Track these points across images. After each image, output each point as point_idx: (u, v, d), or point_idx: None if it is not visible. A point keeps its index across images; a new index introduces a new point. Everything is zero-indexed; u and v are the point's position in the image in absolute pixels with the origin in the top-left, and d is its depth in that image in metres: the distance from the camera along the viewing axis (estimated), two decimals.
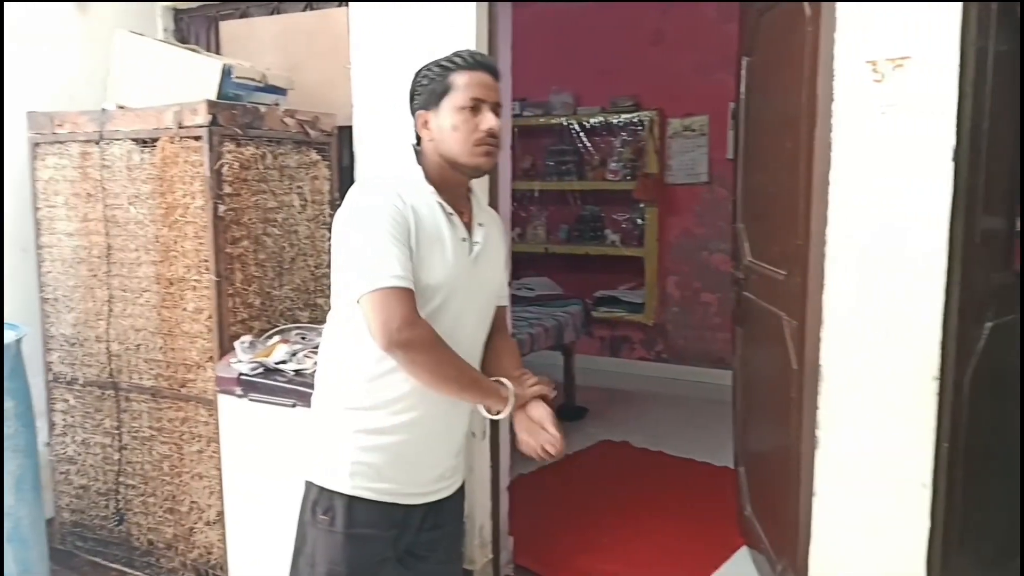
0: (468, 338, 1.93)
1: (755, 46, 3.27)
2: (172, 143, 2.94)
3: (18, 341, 2.68)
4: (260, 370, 2.75)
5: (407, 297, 1.73)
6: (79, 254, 3.25)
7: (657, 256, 6.25)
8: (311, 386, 2.07)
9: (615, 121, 6.30)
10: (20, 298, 3.35)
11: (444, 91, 1.87)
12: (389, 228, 1.75)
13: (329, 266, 2.00)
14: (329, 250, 2.42)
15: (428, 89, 1.89)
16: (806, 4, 2.54)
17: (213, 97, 2.97)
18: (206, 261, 2.92)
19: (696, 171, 6.09)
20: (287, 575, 1.95)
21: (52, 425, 3.42)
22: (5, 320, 2.79)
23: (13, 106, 3.32)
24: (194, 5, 3.99)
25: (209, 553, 3.11)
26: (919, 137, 2.22)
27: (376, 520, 1.87)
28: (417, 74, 1.93)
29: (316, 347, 2.53)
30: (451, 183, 1.91)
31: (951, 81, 2.16)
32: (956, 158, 2.16)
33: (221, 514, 2.97)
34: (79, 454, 3.39)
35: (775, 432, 2.93)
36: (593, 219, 6.60)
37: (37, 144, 3.30)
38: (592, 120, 6.38)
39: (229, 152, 2.91)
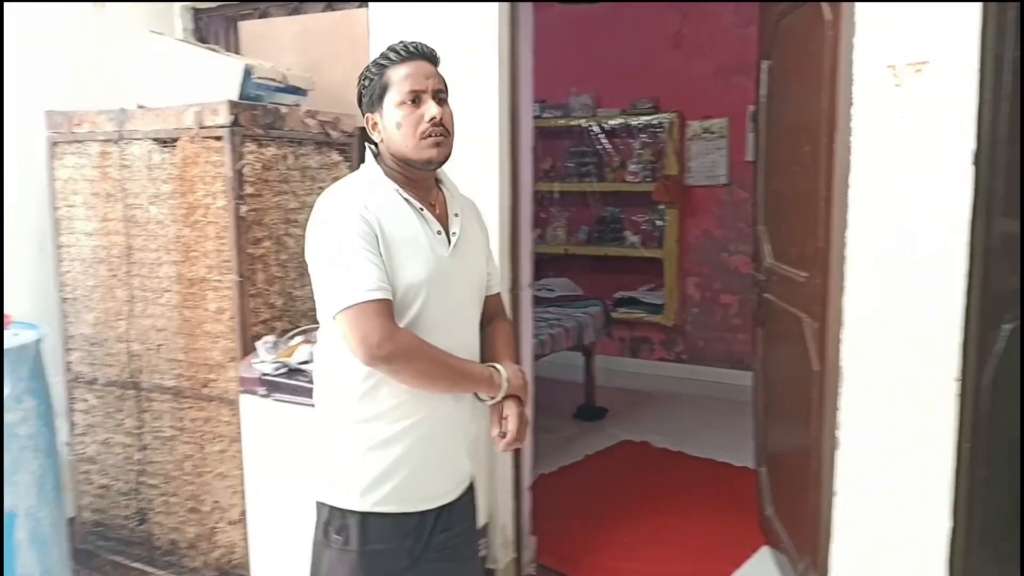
0: (459, 329, 1.92)
1: (774, 49, 3.27)
2: (193, 143, 2.94)
3: (38, 341, 2.69)
4: (283, 370, 2.76)
5: (382, 308, 1.72)
6: (99, 254, 3.26)
7: (677, 257, 6.23)
8: None
9: (635, 123, 6.27)
10: (39, 298, 3.36)
11: (383, 90, 1.85)
12: (356, 240, 1.73)
13: None
14: None
15: (369, 91, 1.87)
16: (825, 7, 2.55)
17: (234, 97, 2.97)
18: (228, 261, 2.92)
19: (716, 173, 6.06)
20: None
21: (72, 425, 3.43)
22: (25, 320, 2.80)
23: (31, 105, 3.31)
24: (213, 5, 4.00)
25: (231, 552, 3.11)
26: (938, 140, 2.22)
27: (390, 534, 1.85)
28: (360, 77, 1.91)
29: None
30: (415, 178, 1.89)
31: (971, 85, 2.15)
32: (976, 161, 2.16)
33: (243, 513, 2.98)
34: (100, 454, 3.40)
35: (796, 432, 2.94)
36: (613, 220, 6.57)
37: (55, 143, 3.30)
38: (612, 122, 6.35)
39: (250, 152, 2.91)
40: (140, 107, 3.17)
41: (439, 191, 1.97)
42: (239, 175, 2.86)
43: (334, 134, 3.28)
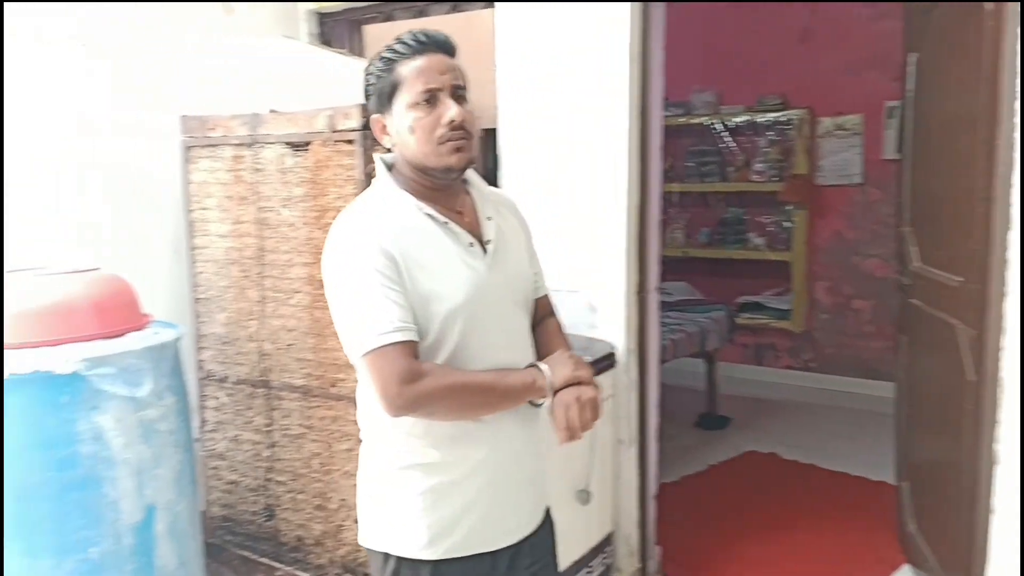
0: (510, 346, 1.72)
1: (923, 42, 3.12)
2: (324, 146, 2.97)
3: (177, 340, 2.75)
4: None
5: (401, 351, 1.53)
6: (231, 255, 3.32)
7: (805, 260, 6.01)
8: None
9: (761, 120, 6.08)
10: (172, 298, 3.45)
11: (393, 88, 1.62)
12: (373, 275, 1.54)
13: None
14: None
15: (377, 89, 1.65)
16: None
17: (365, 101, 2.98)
18: None
19: (848, 172, 5.81)
20: None
21: (203, 422, 3.51)
22: (164, 319, 2.88)
23: (167, 109, 3.39)
24: (338, 8, 4.05)
25: (357, 550, 3.12)
26: None
27: None
28: (364, 73, 1.69)
29: None
30: (436, 187, 1.68)
31: None
32: None
33: None
34: (229, 450, 3.47)
35: (946, 446, 2.80)
36: (736, 222, 6.39)
37: (190, 147, 3.37)
38: (736, 119, 6.18)
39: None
40: (272, 111, 3.22)
41: (465, 194, 1.75)
42: (369, 178, 2.87)
43: None
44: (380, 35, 3.89)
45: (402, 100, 1.61)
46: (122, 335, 2.55)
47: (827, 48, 5.80)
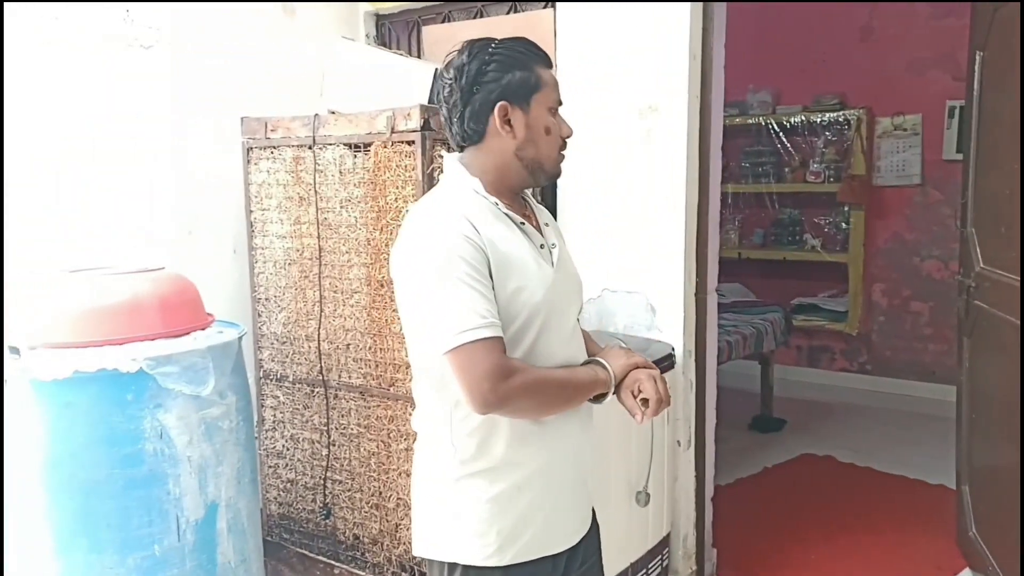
0: (572, 344, 1.75)
1: (990, 41, 3.07)
2: (385, 147, 2.98)
3: (239, 339, 2.79)
4: None
5: (491, 347, 1.51)
6: (291, 256, 3.35)
7: (862, 262, 5.92)
8: None
9: (818, 120, 6.00)
10: (232, 298, 3.48)
11: (536, 86, 1.64)
12: (461, 265, 1.52)
13: None
14: None
15: (516, 80, 1.63)
16: None
17: (425, 101, 2.99)
18: None
19: (908, 172, 5.72)
20: None
21: (262, 420, 3.55)
22: (225, 319, 2.91)
23: (228, 111, 3.42)
24: (396, 9, 4.06)
25: None
26: None
27: None
28: (484, 54, 1.64)
29: None
30: (511, 189, 1.72)
31: None
32: None
33: None
34: (287, 449, 3.51)
35: (1011, 449, 2.77)
36: (792, 223, 6.32)
37: (251, 148, 3.40)
38: (793, 119, 6.10)
39: (441, 156, 2.92)
40: (332, 112, 3.24)
41: (525, 202, 1.79)
42: (430, 179, 2.88)
43: None
44: (439, 36, 3.89)
45: (542, 101, 1.66)
46: (186, 334, 2.58)
47: (887, 47, 5.71)
